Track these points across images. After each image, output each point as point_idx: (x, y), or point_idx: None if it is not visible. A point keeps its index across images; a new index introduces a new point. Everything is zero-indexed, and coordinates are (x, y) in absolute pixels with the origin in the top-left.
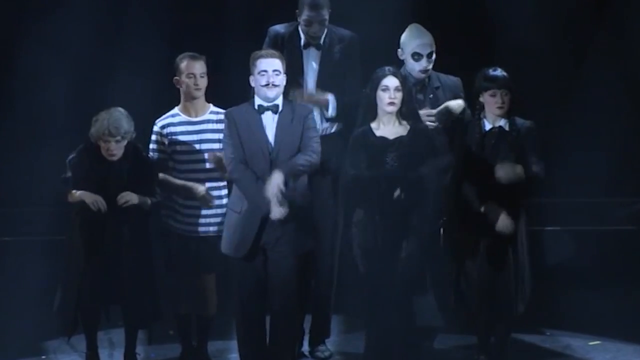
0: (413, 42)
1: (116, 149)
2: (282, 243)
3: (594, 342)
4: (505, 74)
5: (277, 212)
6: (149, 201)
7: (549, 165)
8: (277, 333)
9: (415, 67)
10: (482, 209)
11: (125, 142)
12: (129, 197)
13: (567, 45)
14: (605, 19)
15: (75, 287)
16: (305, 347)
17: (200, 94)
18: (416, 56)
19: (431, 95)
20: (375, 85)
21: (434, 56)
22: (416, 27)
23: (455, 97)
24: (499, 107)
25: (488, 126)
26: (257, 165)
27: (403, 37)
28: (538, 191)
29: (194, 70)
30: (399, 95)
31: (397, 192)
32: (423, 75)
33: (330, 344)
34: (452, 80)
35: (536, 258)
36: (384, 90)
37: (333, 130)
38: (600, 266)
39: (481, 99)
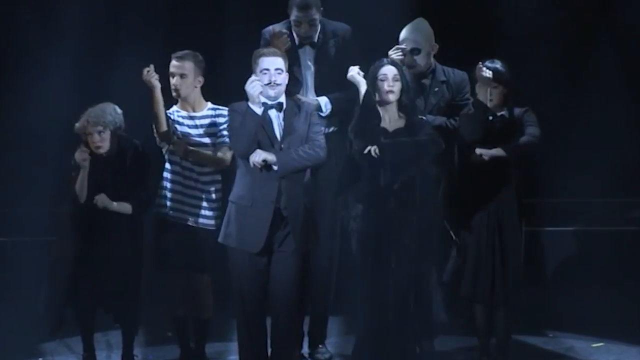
0: (401, 35)
1: (99, 141)
2: (289, 240)
3: (597, 344)
4: (497, 66)
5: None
6: (130, 207)
7: (552, 165)
8: (280, 334)
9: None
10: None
11: (108, 134)
12: (102, 200)
13: (572, 47)
14: (609, 18)
15: (62, 288)
16: (305, 349)
17: (176, 94)
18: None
19: (437, 89)
20: (373, 75)
21: (421, 53)
22: (415, 22)
23: (460, 93)
24: (489, 100)
25: (490, 116)
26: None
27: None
28: (540, 189)
29: (172, 70)
30: (398, 84)
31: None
32: (410, 70)
33: (330, 346)
34: (459, 74)
35: (539, 259)
36: (382, 79)
37: (331, 129)
38: (604, 267)
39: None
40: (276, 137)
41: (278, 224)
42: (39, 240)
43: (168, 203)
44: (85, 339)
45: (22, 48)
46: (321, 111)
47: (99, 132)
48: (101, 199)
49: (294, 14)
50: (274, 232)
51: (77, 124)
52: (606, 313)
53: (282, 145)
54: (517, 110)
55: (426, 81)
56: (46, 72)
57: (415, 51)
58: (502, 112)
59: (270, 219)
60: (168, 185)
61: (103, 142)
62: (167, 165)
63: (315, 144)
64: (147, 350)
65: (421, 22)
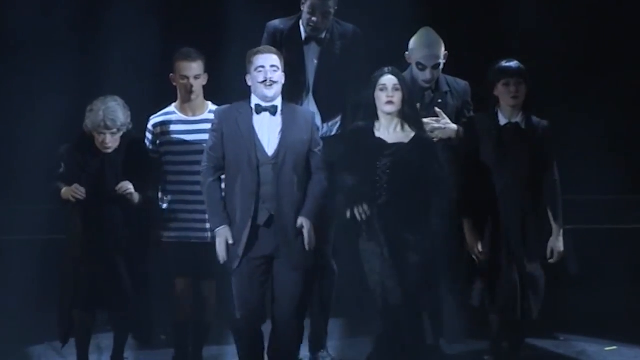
0: (419, 51)
1: (111, 142)
2: (285, 254)
3: (610, 347)
4: (520, 65)
5: None
6: (139, 196)
7: (563, 162)
8: (280, 344)
9: (420, 77)
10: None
11: (120, 134)
12: (129, 186)
13: (575, 50)
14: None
15: (68, 291)
16: (306, 353)
17: (194, 96)
18: (420, 66)
19: (440, 100)
20: (373, 85)
21: (440, 67)
22: (427, 34)
23: (464, 103)
24: (513, 97)
25: (503, 121)
26: (242, 170)
27: (411, 42)
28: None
29: (186, 72)
30: (398, 94)
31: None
32: (427, 85)
33: (331, 349)
34: (461, 84)
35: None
36: (381, 89)
37: (333, 133)
38: (617, 268)
39: (495, 92)
40: (265, 151)
41: (270, 233)
42: (25, 240)
43: (171, 224)
44: (80, 343)
45: (16, 42)
46: None
47: (112, 134)
48: (125, 186)
49: (310, 1)
50: (263, 247)
51: (87, 121)
52: (620, 315)
53: (276, 160)
54: (535, 121)
55: (429, 93)
56: (42, 68)
57: (437, 66)
58: (517, 120)
59: (245, 240)
60: (169, 207)
61: (114, 143)
62: (167, 186)
63: (323, 177)
64: (138, 354)
65: (432, 33)
